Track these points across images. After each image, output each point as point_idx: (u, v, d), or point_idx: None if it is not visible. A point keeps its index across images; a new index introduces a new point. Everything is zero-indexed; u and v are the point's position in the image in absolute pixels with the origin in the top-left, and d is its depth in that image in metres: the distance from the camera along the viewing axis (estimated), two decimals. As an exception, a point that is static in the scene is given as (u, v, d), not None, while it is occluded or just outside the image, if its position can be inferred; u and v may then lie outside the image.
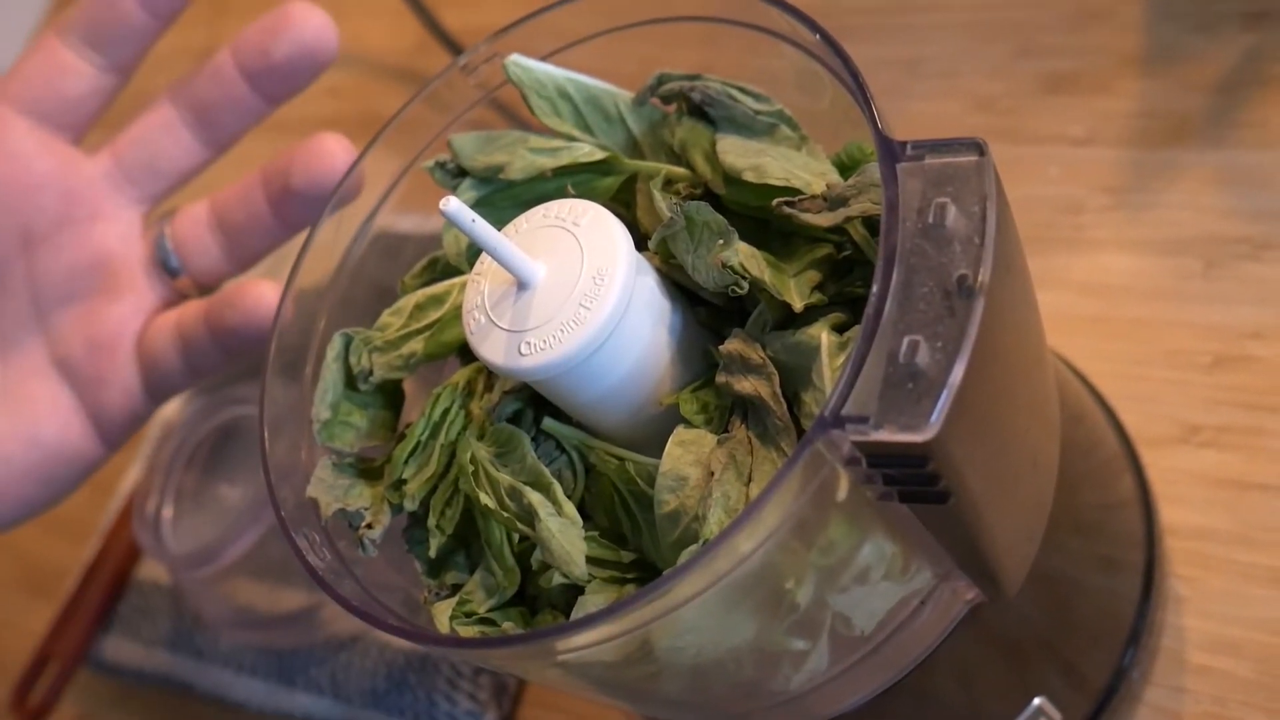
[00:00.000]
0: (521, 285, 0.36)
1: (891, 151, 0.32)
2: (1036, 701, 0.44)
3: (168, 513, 0.70)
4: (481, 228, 0.34)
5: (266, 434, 0.39)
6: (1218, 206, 0.57)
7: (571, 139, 0.40)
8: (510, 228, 0.37)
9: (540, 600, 0.38)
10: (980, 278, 0.30)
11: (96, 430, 0.52)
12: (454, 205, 0.34)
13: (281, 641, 0.66)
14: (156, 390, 0.52)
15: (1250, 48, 0.59)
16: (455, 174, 0.41)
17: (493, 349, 0.35)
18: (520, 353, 0.35)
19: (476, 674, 0.60)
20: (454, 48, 0.79)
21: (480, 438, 0.38)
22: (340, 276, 0.44)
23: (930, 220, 0.31)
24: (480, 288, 0.37)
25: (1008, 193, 0.33)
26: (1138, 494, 0.50)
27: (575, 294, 0.35)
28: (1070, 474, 0.44)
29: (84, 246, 0.51)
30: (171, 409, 0.81)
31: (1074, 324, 0.57)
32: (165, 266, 0.52)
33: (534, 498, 0.36)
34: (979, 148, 0.32)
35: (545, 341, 0.35)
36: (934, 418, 0.29)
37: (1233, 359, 0.54)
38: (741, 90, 0.38)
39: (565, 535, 0.35)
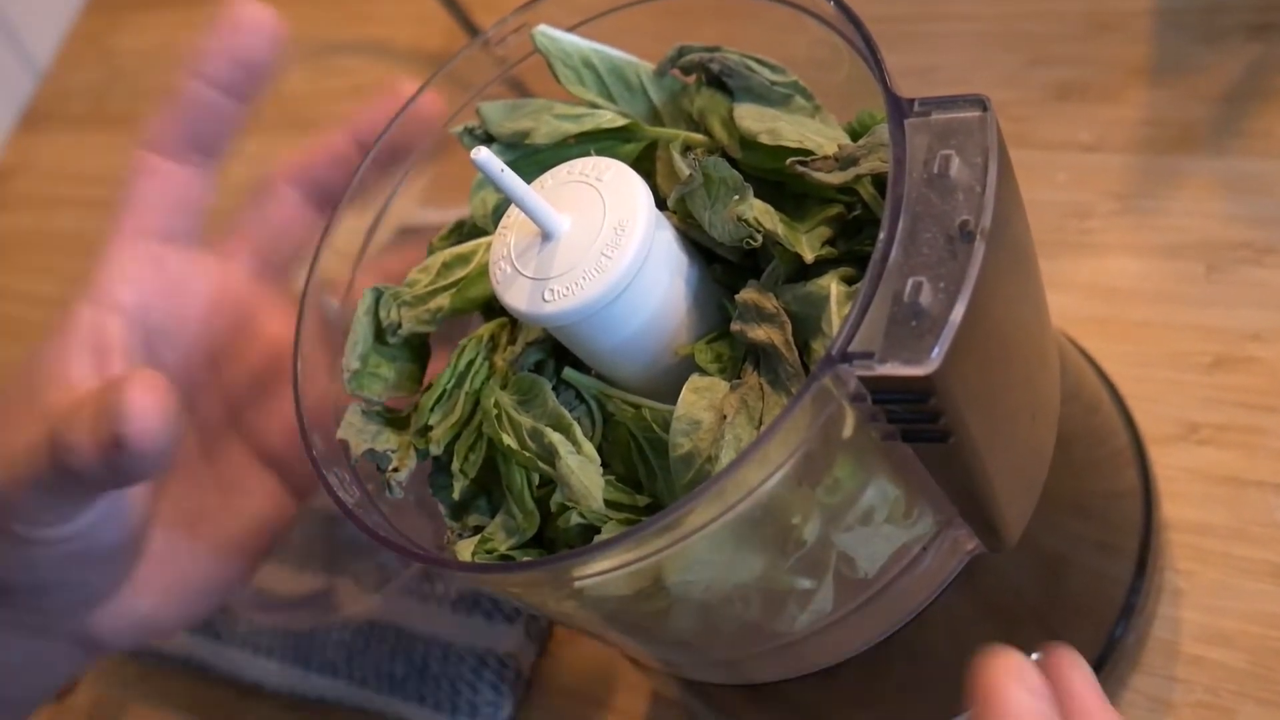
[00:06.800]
0: (546, 236, 0.37)
1: (900, 108, 0.34)
2: (1029, 663, 0.45)
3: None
4: (510, 178, 0.36)
5: (300, 370, 0.41)
6: (1221, 212, 0.58)
7: (595, 106, 0.42)
8: (536, 184, 0.39)
9: (558, 542, 0.39)
10: (982, 223, 0.32)
11: (298, 497, 0.53)
12: (484, 154, 0.35)
13: (299, 623, 0.67)
14: None
15: (1255, 59, 0.61)
16: (483, 139, 0.42)
17: (517, 296, 0.37)
18: (544, 299, 0.36)
19: (501, 665, 0.61)
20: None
21: (503, 387, 0.39)
22: (365, 245, 0.46)
23: (935, 171, 0.33)
24: (507, 240, 0.38)
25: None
26: (1140, 486, 0.51)
27: (597, 244, 0.36)
28: (1080, 460, 0.45)
29: (259, 347, 0.52)
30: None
31: (1081, 325, 0.58)
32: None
33: (554, 438, 0.37)
34: (982, 104, 0.33)
35: (568, 289, 0.36)
36: (935, 353, 0.31)
37: (1233, 360, 0.55)
38: (759, 61, 0.40)
39: (584, 472, 0.37)
